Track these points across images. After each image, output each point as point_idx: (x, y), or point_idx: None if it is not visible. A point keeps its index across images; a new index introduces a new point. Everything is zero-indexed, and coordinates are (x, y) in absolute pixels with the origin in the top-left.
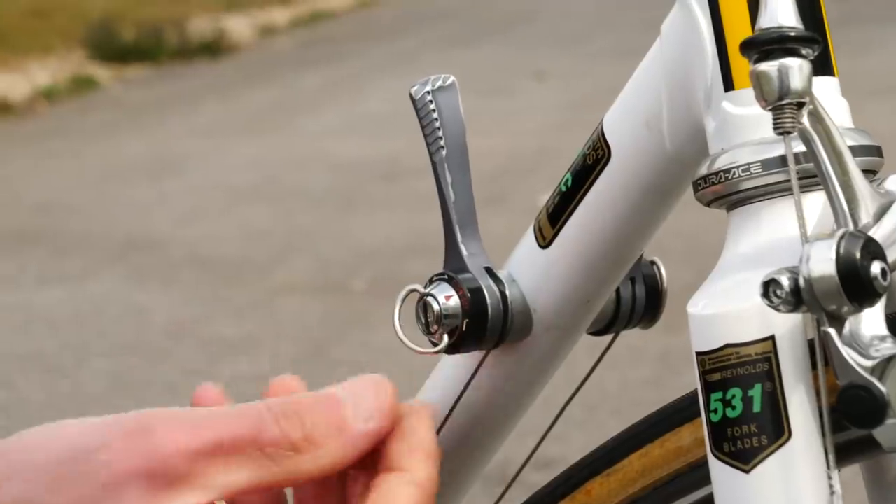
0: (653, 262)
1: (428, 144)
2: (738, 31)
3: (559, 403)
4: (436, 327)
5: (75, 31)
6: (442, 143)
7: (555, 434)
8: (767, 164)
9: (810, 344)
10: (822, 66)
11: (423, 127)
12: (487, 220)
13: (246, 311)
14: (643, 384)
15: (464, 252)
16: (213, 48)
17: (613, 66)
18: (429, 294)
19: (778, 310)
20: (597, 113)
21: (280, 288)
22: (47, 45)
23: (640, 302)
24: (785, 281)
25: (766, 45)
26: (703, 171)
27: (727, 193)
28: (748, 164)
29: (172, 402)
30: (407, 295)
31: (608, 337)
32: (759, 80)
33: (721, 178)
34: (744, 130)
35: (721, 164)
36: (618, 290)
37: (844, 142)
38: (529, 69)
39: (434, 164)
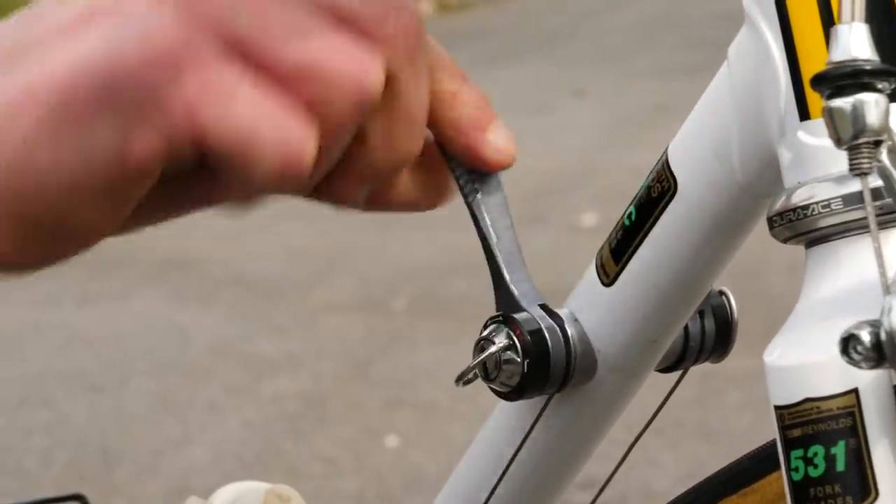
0: (721, 293)
1: (461, 187)
2: (813, 55)
3: None
4: (495, 373)
5: None
6: (476, 185)
7: (598, 454)
8: (848, 200)
9: None
10: None
11: (453, 170)
12: (530, 240)
13: (287, 329)
14: (685, 404)
15: (515, 292)
16: None
17: (654, 84)
18: (485, 338)
19: (859, 367)
20: (637, 131)
21: (321, 306)
22: None
23: (709, 336)
24: (865, 336)
25: (839, 81)
26: (779, 206)
27: (805, 231)
28: (828, 199)
29: (215, 422)
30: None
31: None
32: (832, 118)
33: (799, 214)
34: (822, 163)
35: (798, 199)
36: (686, 325)
37: None
38: (569, 87)
39: (470, 207)
